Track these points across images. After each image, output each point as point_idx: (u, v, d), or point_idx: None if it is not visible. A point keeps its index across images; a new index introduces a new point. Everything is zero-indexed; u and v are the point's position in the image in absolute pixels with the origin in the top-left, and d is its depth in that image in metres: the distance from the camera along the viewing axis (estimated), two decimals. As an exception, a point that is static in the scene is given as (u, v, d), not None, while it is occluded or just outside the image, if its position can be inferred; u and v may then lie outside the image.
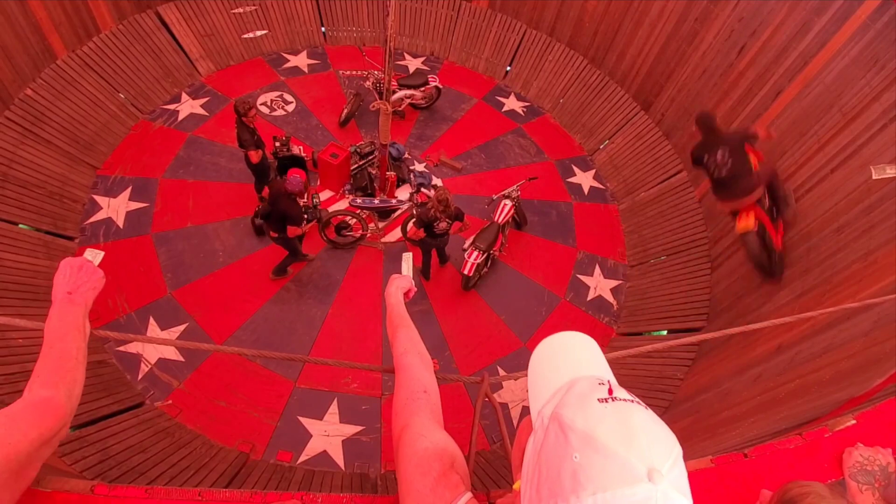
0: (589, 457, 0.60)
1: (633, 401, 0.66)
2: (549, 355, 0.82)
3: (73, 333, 1.12)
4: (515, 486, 0.77)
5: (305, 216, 5.27)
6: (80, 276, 1.22)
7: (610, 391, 0.67)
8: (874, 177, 4.04)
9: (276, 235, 5.28)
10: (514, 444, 0.84)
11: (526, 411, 5.33)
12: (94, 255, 1.41)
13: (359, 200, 6.24)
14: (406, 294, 1.49)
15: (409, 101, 7.42)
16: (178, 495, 1.12)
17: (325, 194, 6.57)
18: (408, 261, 1.62)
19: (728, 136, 4.91)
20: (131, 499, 1.08)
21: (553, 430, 0.66)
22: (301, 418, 4.99)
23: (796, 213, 4.95)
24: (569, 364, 0.79)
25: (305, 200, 5.43)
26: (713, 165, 4.86)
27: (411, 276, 1.54)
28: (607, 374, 0.79)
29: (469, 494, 0.87)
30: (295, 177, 4.95)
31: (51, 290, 1.20)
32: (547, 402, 0.71)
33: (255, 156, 5.57)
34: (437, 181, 6.85)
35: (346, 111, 7.18)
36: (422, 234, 5.39)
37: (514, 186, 6.23)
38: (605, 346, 5.96)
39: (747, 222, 4.86)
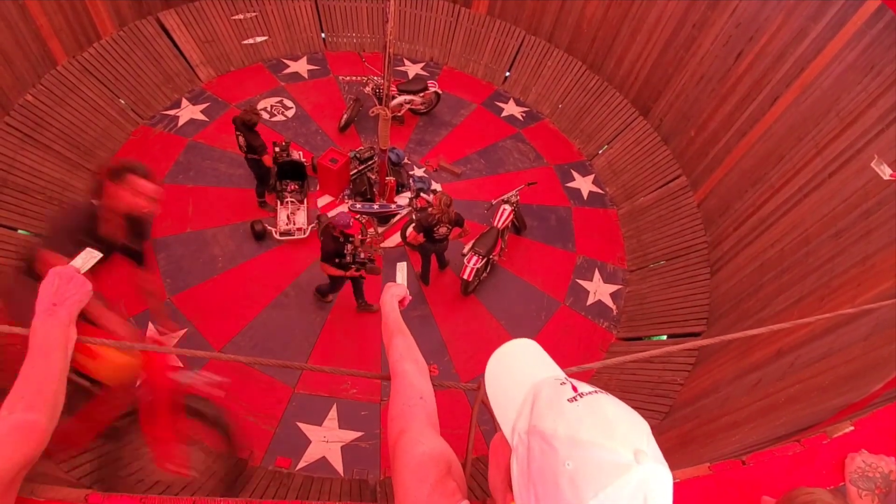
0: (580, 459, 0.61)
1: (597, 391, 0.68)
2: (501, 372, 0.83)
3: (56, 352, 1.09)
4: None
5: (339, 258, 4.92)
6: (68, 287, 1.18)
7: (574, 388, 0.69)
8: (872, 164, 4.11)
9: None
10: (490, 464, 0.83)
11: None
12: (88, 257, 1.37)
13: (358, 206, 6.25)
14: (401, 302, 1.49)
15: (408, 106, 7.45)
16: (173, 504, 1.11)
17: (325, 199, 6.58)
18: (402, 270, 1.62)
19: None
20: (126, 507, 1.08)
21: (536, 444, 0.66)
22: (300, 424, 4.97)
23: None
24: (521, 373, 0.80)
25: (356, 249, 5.04)
26: None
27: (406, 284, 1.54)
28: (558, 370, 0.81)
29: (466, 502, 0.87)
30: (344, 213, 4.85)
31: None
32: (517, 417, 0.72)
33: (269, 159, 5.71)
34: (436, 186, 6.87)
35: (345, 116, 7.20)
36: (421, 238, 5.39)
37: (514, 191, 6.24)
38: (605, 351, 5.95)
39: None
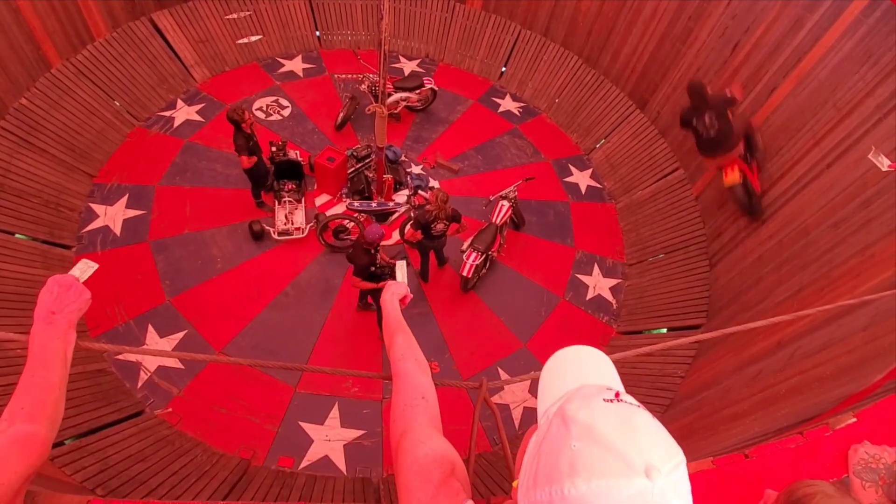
0: (588, 446, 0.60)
1: (639, 406, 0.66)
2: (563, 364, 0.83)
3: (56, 361, 1.09)
4: (514, 484, 0.77)
5: (374, 269, 4.92)
6: (67, 296, 1.17)
7: (616, 395, 0.67)
8: (869, 156, 4.13)
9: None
10: (519, 448, 0.84)
11: (527, 413, 5.32)
12: (86, 268, 1.37)
13: (356, 204, 6.24)
14: (402, 300, 1.49)
15: (404, 103, 7.42)
16: (175, 507, 1.11)
17: (323, 198, 6.57)
18: (402, 268, 1.61)
19: (713, 102, 5.41)
20: (129, 512, 1.08)
21: (556, 423, 0.66)
22: (302, 423, 4.98)
23: (765, 154, 5.52)
24: (581, 373, 0.80)
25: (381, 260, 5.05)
26: (702, 128, 5.45)
27: (406, 282, 1.54)
28: (618, 385, 0.79)
29: (470, 502, 0.87)
30: (374, 226, 4.79)
31: None
32: (554, 403, 0.72)
33: (245, 161, 5.55)
34: (434, 183, 6.85)
35: (341, 115, 7.17)
36: (419, 235, 5.38)
37: (512, 187, 6.23)
38: (605, 346, 5.96)
39: (734, 176, 5.43)
